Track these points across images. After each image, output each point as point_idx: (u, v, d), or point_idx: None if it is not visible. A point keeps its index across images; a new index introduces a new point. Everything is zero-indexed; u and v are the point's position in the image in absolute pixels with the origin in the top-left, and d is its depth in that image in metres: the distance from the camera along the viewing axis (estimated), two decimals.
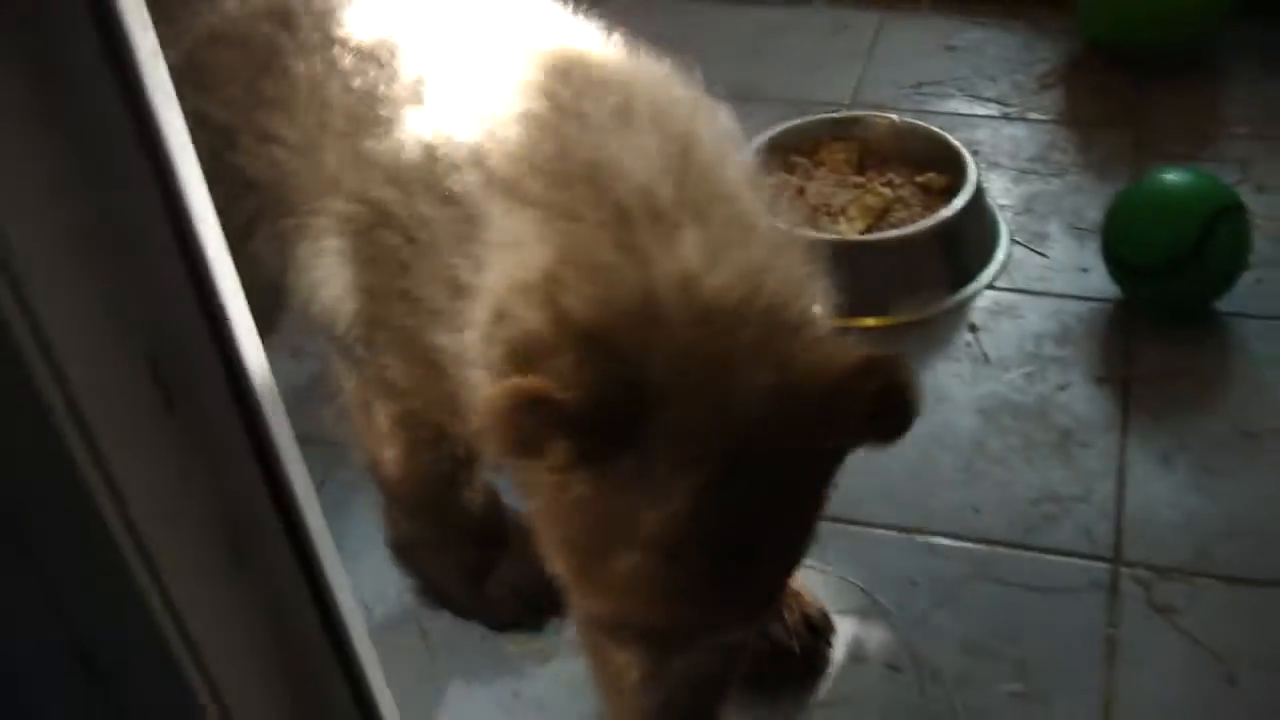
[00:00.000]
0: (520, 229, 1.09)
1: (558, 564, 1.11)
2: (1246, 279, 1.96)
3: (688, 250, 1.03)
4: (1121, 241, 1.92)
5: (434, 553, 1.60)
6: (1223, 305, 1.95)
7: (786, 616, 1.50)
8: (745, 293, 1.02)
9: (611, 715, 1.20)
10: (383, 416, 1.43)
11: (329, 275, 1.30)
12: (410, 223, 1.20)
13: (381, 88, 1.24)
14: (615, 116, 1.12)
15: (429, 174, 1.18)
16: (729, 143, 1.17)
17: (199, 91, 1.31)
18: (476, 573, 1.60)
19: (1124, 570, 1.61)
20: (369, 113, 1.24)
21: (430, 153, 1.18)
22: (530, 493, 1.13)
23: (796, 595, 1.51)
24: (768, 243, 1.08)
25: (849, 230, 2.06)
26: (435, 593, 1.63)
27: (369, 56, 1.27)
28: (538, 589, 1.40)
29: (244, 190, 1.35)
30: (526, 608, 1.58)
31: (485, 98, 1.18)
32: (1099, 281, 2.01)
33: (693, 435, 0.99)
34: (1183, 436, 1.78)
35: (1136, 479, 1.72)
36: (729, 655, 1.16)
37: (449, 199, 1.16)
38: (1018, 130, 2.39)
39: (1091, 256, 2.04)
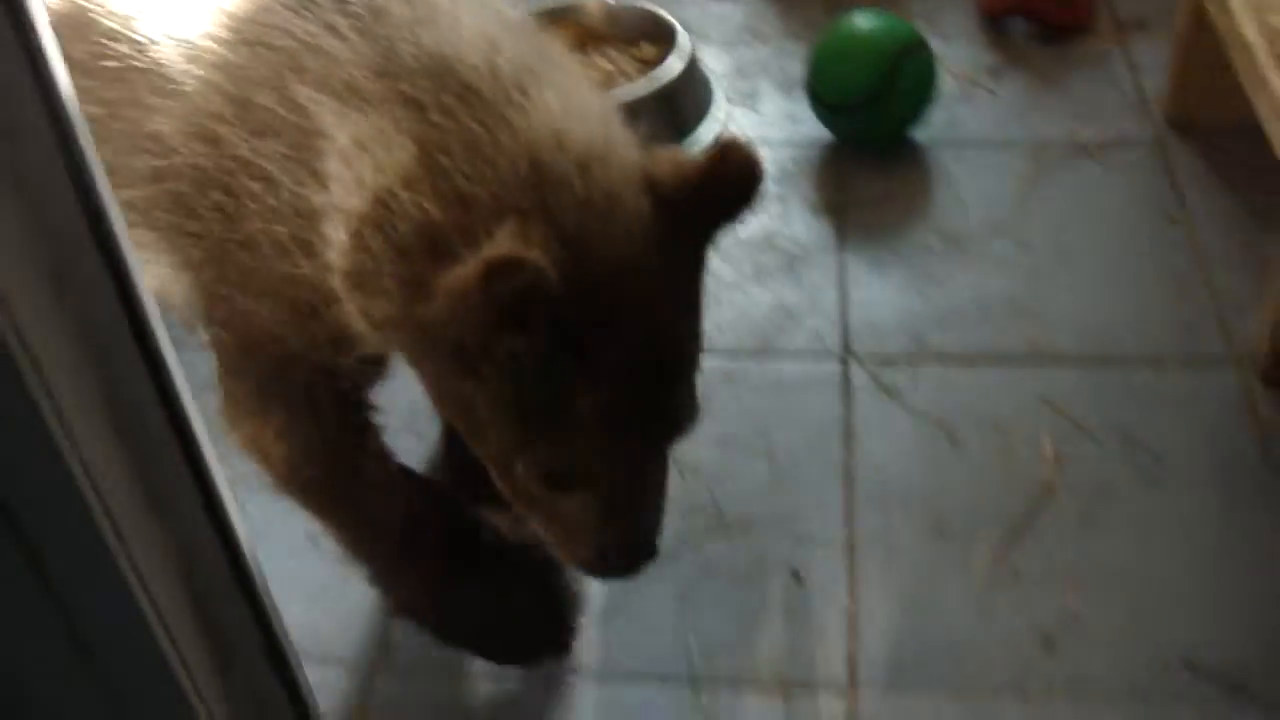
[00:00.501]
0: (367, 132, 1.08)
1: (497, 438, 1.11)
2: (938, 114, 2.15)
3: (546, 111, 1.07)
4: (821, 83, 2.08)
5: (385, 559, 1.44)
6: (919, 137, 2.14)
7: None
8: (605, 135, 1.08)
9: (569, 559, 1.20)
10: (246, 391, 1.31)
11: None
12: (225, 169, 1.15)
13: (140, 62, 1.18)
14: (419, 8, 1.13)
15: (238, 102, 1.14)
16: (513, 9, 1.20)
17: None
18: (447, 581, 1.44)
19: (853, 364, 1.77)
20: (136, 91, 1.18)
21: (237, 78, 1.14)
22: (453, 378, 1.10)
23: None
24: (593, 90, 1.14)
25: None
26: (405, 612, 1.49)
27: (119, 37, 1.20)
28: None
29: None
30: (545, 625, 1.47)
31: (263, 23, 1.14)
32: (809, 129, 2.17)
33: (609, 274, 1.03)
34: (894, 248, 1.95)
35: (857, 286, 1.89)
36: (661, 480, 1.19)
37: (265, 130, 1.12)
38: (724, 8, 2.54)
39: (800, 108, 2.19)
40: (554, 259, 0.98)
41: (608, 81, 2.22)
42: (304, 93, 1.10)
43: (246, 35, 1.14)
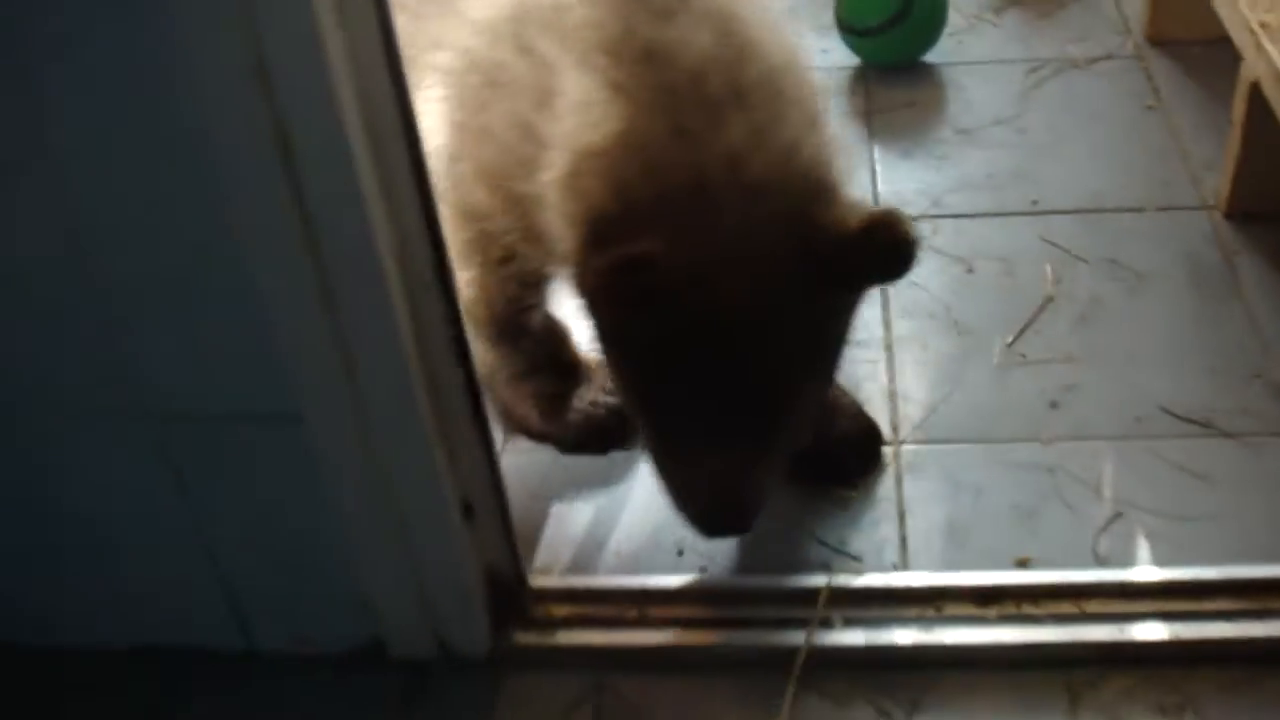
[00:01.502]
0: (589, 97, 1.22)
1: (621, 390, 1.35)
2: (948, 42, 2.51)
3: (734, 133, 1.17)
4: (848, 11, 2.45)
5: (513, 381, 1.67)
6: (933, 58, 2.50)
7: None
8: (783, 170, 1.18)
9: (675, 507, 1.41)
10: (460, 240, 1.48)
11: (428, 116, 1.42)
12: (491, 67, 1.35)
13: None
14: (675, 2, 1.24)
15: (512, 28, 1.34)
16: (771, 24, 1.30)
17: None
18: (553, 400, 1.66)
19: None
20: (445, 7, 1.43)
21: (516, 10, 1.35)
22: (605, 338, 1.30)
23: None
24: (803, 119, 1.23)
25: None
26: (513, 420, 1.71)
27: None
28: (607, 419, 1.62)
29: None
30: (596, 434, 1.67)
31: None
32: (838, 56, 2.53)
33: (732, 299, 1.17)
34: (915, 140, 2.31)
35: (885, 169, 2.24)
36: (764, 475, 1.35)
37: (527, 51, 1.31)
38: None
39: (831, 42, 2.55)
40: (687, 273, 1.14)
41: None
42: (552, 49, 1.29)
43: None
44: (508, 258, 1.48)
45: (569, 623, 1.47)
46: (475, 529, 1.39)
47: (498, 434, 1.45)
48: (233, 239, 1.13)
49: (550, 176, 1.25)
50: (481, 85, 1.38)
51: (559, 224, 1.27)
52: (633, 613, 1.47)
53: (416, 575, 1.39)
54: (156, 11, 1.00)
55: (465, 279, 1.49)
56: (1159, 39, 2.48)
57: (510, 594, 1.46)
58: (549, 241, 1.33)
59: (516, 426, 1.72)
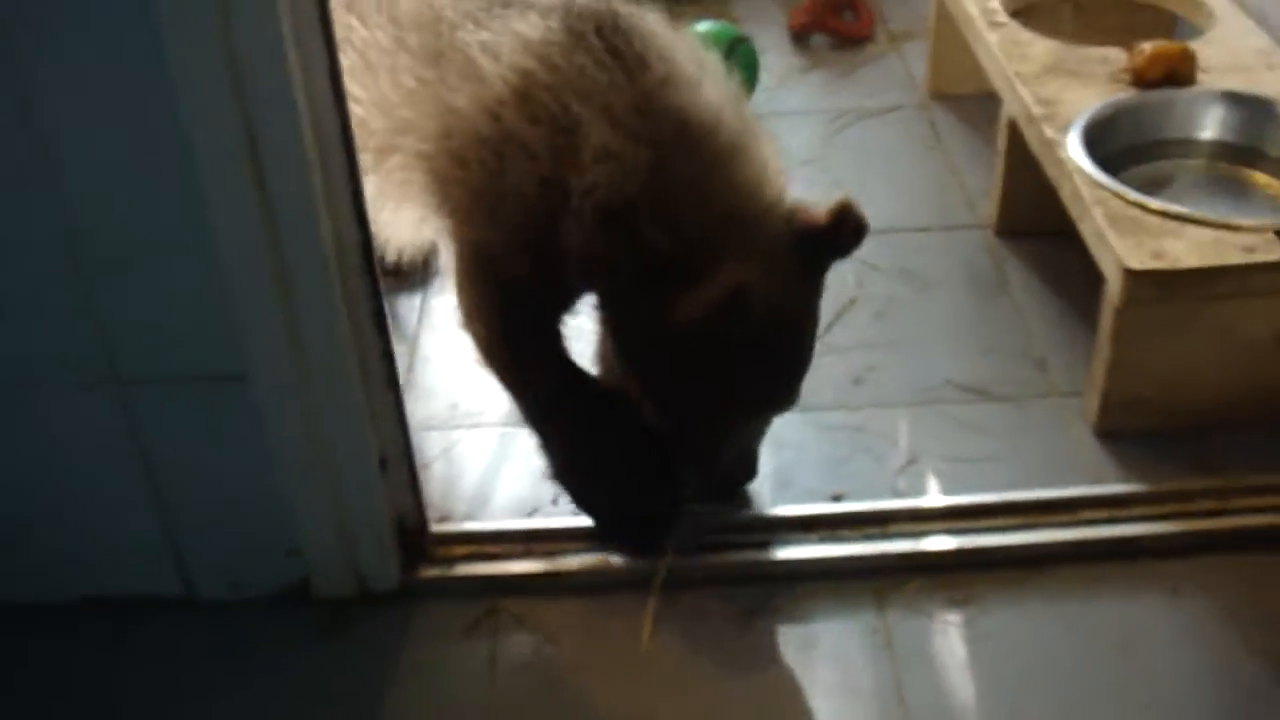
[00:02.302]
0: (616, 145, 1.47)
1: (674, 393, 1.59)
2: (761, 97, 2.90)
3: (747, 168, 1.50)
4: None
5: (567, 450, 1.76)
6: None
7: None
8: (778, 193, 1.52)
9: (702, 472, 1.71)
10: (469, 296, 1.70)
11: (410, 187, 1.69)
12: (497, 141, 1.55)
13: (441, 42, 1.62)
14: (671, 69, 1.52)
15: (515, 104, 1.53)
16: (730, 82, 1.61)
17: None
18: (603, 458, 1.74)
19: None
20: (445, 73, 1.60)
21: (513, 86, 1.53)
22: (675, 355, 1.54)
23: None
24: (773, 156, 1.57)
25: None
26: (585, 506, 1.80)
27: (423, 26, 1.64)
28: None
29: None
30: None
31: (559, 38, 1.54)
32: None
33: (779, 297, 1.50)
34: None
35: None
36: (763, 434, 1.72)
37: (537, 119, 1.53)
38: None
39: None
40: (759, 289, 1.44)
41: None
42: (574, 103, 1.50)
43: (536, 51, 1.54)
44: (519, 297, 1.66)
45: (466, 559, 1.75)
46: (389, 480, 1.66)
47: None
48: (202, 225, 1.40)
49: (581, 222, 1.50)
50: (489, 158, 1.57)
51: (595, 268, 1.53)
52: (519, 549, 1.76)
53: (340, 521, 1.66)
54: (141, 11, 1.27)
55: (479, 320, 1.71)
56: (939, 93, 2.91)
57: (416, 537, 1.74)
58: (569, 270, 1.56)
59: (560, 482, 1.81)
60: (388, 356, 1.59)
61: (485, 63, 1.55)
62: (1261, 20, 2.39)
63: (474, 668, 1.64)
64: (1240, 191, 2.10)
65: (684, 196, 1.47)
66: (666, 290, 1.47)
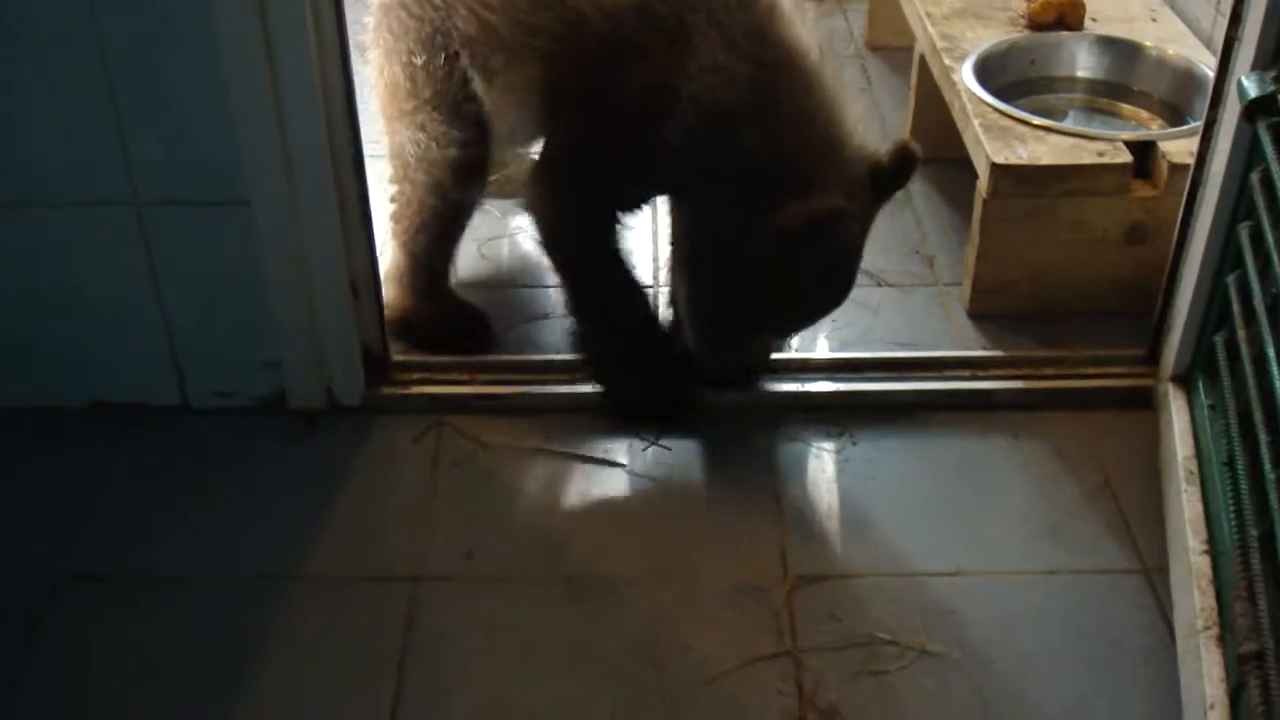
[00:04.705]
0: (722, 60, 1.63)
1: (731, 297, 1.77)
2: None
3: (840, 105, 1.66)
4: None
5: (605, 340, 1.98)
6: None
7: None
8: (863, 128, 1.69)
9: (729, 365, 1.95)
10: (546, 182, 1.85)
11: (528, 86, 1.83)
12: (617, 45, 1.69)
13: None
14: (776, 6, 1.67)
15: (644, 9, 1.68)
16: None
17: None
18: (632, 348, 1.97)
19: None
20: None
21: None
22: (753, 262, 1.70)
23: None
24: (853, 98, 1.75)
25: None
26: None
27: None
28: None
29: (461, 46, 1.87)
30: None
31: None
32: None
33: (862, 223, 1.71)
34: None
35: None
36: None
37: (654, 25, 1.67)
38: None
39: None
40: (848, 215, 1.62)
41: None
42: (689, 16, 1.65)
43: None
44: (599, 190, 1.83)
45: (420, 382, 2.06)
46: (359, 306, 1.97)
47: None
48: (218, 70, 1.71)
49: (683, 119, 1.65)
50: (610, 51, 1.71)
51: (694, 170, 1.68)
52: (465, 376, 2.07)
53: (316, 341, 1.96)
54: None
55: (549, 205, 1.87)
56: (874, 45, 3.24)
57: (379, 362, 2.04)
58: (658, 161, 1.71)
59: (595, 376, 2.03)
60: (363, 198, 1.89)
61: None
62: None
63: (419, 464, 1.95)
64: (1110, 121, 2.42)
65: (783, 116, 1.63)
66: (760, 199, 1.63)
